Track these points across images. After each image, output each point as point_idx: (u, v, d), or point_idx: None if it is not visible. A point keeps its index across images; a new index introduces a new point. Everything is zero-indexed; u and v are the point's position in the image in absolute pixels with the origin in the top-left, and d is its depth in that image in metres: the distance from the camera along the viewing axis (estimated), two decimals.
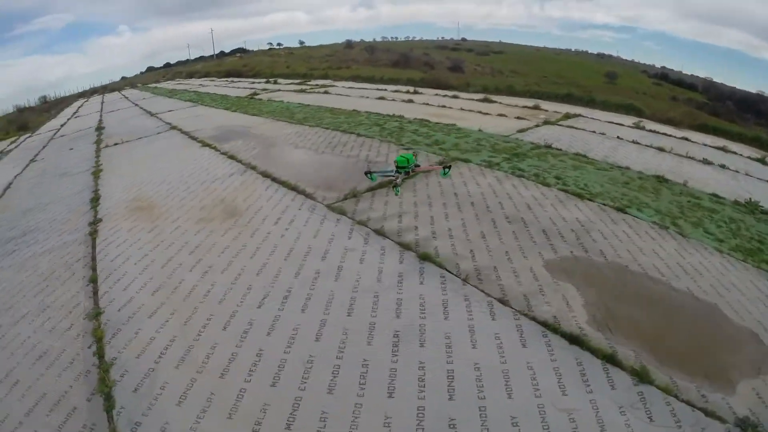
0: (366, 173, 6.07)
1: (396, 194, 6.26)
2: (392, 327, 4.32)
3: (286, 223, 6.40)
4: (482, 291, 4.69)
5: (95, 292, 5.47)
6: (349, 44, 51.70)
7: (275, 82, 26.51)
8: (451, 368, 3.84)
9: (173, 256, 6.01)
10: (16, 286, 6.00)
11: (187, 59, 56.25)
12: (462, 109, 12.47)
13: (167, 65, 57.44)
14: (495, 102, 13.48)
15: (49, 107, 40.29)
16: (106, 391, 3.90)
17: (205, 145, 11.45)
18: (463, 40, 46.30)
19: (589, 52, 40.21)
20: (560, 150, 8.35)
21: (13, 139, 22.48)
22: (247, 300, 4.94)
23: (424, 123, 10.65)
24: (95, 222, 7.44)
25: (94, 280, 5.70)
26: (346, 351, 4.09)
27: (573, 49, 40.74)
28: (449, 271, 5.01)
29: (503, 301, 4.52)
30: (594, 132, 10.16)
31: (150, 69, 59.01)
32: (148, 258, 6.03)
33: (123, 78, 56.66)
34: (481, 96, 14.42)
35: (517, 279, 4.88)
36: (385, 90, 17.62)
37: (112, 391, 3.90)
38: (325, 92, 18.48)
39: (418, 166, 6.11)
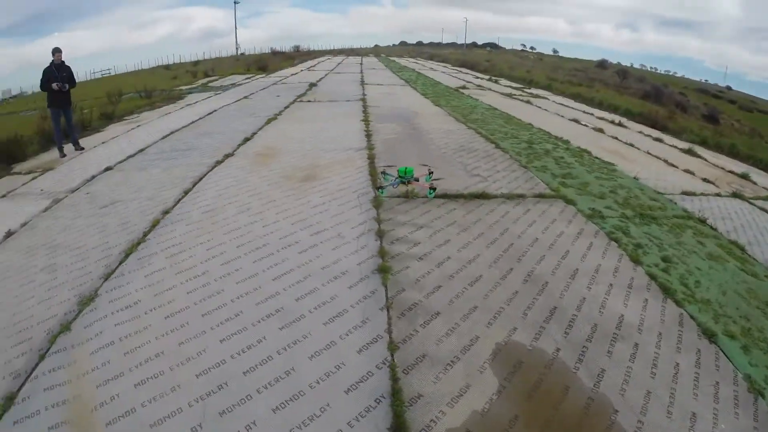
0: (377, 188, 6.42)
1: (381, 194, 6.42)
2: None
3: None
4: None
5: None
6: (602, 64, 48.32)
7: (495, 81, 25.81)
8: None
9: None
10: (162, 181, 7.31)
11: (440, 42, 59.25)
12: (648, 152, 10.45)
13: (419, 43, 61.33)
14: (699, 156, 10.97)
15: (295, 57, 46.20)
16: None
17: (363, 120, 11.76)
18: (728, 88, 39.03)
19: None
20: (713, 229, 6.45)
21: (248, 76, 26.93)
22: None
23: (584, 152, 9.19)
24: (226, 156, 8.50)
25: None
26: None
27: None
28: None
29: None
30: None
31: (402, 43, 63.87)
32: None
33: (375, 46, 62.60)
34: (686, 146, 11.91)
35: None
36: (592, 114, 15.74)
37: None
38: (527, 102, 17.23)
39: (417, 180, 6.42)
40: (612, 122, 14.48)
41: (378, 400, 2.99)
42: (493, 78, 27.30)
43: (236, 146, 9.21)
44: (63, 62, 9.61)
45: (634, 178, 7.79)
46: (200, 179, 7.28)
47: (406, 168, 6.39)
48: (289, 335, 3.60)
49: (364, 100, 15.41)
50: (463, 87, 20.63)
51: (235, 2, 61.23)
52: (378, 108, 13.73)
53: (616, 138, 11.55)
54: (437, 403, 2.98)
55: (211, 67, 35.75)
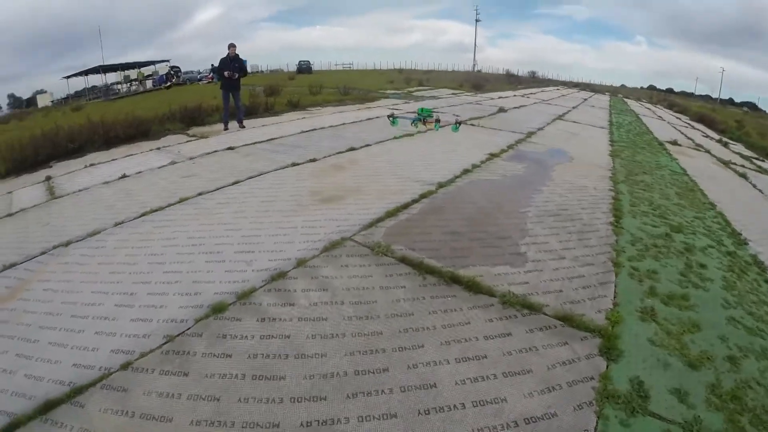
0: (389, 116, 7.13)
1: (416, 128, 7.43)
2: None
3: None
4: None
5: None
6: None
7: (725, 144, 20.08)
8: None
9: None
10: None
11: (692, 93, 50.53)
12: None
13: (669, 90, 53.31)
14: None
15: (522, 82, 44.17)
16: None
17: (489, 154, 9.99)
18: None
19: None
20: None
21: (456, 92, 26.66)
22: None
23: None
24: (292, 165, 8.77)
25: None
26: None
27: None
28: None
29: None
30: None
31: (651, 87, 56.32)
32: None
33: (622, 86, 56.58)
34: None
35: None
36: None
37: None
38: (742, 175, 12.68)
39: (438, 120, 7.31)
40: None
41: None
42: (725, 141, 21.62)
43: (308, 159, 9.00)
44: (237, 55, 11.47)
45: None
46: (265, 173, 8.00)
47: (426, 109, 7.18)
48: None
49: (531, 134, 13.40)
50: (674, 143, 16.67)
51: (476, 20, 62.29)
52: (532, 144, 11.74)
53: None
54: None
55: (427, 78, 36.66)
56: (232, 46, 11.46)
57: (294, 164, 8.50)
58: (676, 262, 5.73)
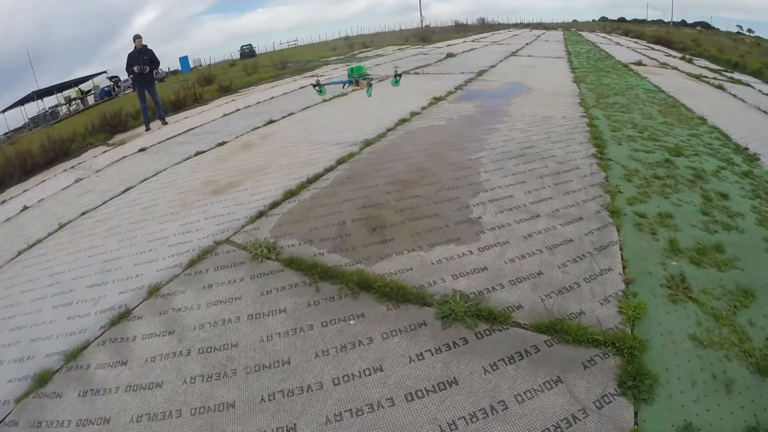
0: (313, 85, 5.69)
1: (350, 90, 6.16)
2: None
3: None
4: None
5: None
6: None
7: (689, 61, 18.54)
8: None
9: None
10: None
11: (644, 19, 48.67)
12: None
13: (621, 20, 51.22)
14: None
15: (470, 30, 42.00)
16: None
17: (435, 98, 8.19)
18: None
19: None
20: None
21: (402, 47, 24.92)
22: None
23: None
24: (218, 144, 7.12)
25: None
26: None
27: None
28: None
29: None
30: None
31: (602, 19, 54.24)
32: None
33: (573, 21, 54.40)
34: None
35: None
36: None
37: None
38: (718, 86, 11.08)
39: (371, 84, 5.29)
40: None
41: None
42: (688, 57, 19.93)
43: (238, 135, 7.47)
44: (145, 46, 10.03)
45: None
46: (181, 162, 6.50)
47: (355, 67, 5.59)
48: None
49: (482, 72, 11.56)
50: (639, 63, 14.92)
51: None
52: (484, 82, 9.89)
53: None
54: None
55: (371, 40, 34.31)
56: (137, 37, 9.97)
57: (198, 153, 6.62)
58: (690, 196, 4.00)
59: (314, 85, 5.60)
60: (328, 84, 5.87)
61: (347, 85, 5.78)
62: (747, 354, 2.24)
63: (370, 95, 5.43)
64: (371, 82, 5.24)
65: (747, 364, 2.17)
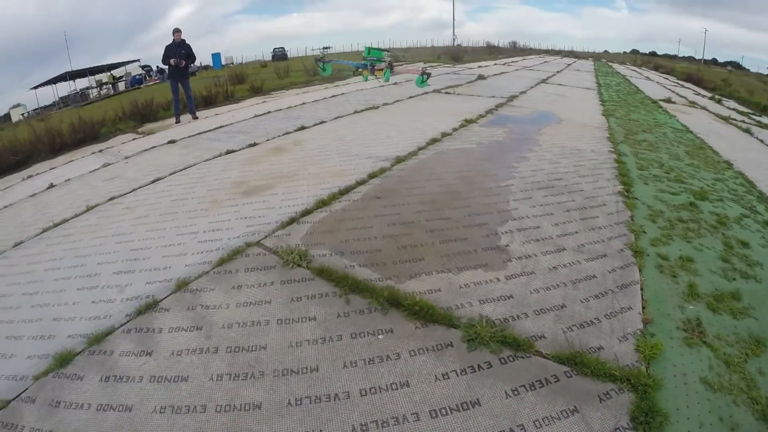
0: (317, 61, 4.66)
1: (364, 79, 5.43)
2: None
3: None
4: None
5: None
6: None
7: (718, 101, 18.42)
8: None
9: None
10: None
11: (675, 55, 48.42)
12: None
13: (652, 54, 50.94)
14: None
15: (502, 52, 42.13)
16: None
17: (466, 120, 8.47)
18: None
19: None
20: None
21: (434, 65, 25.03)
22: None
23: None
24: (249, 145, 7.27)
25: None
26: None
27: None
28: None
29: None
30: None
31: (633, 51, 53.94)
32: None
33: (604, 51, 54.34)
34: None
35: None
36: None
37: None
38: (746, 130, 10.92)
39: (391, 67, 4.84)
40: None
41: None
42: (717, 97, 19.75)
43: (269, 138, 7.66)
44: (183, 41, 10.23)
45: None
46: (211, 159, 6.67)
47: (376, 50, 4.46)
48: None
49: (513, 98, 11.66)
50: (668, 100, 14.91)
51: None
52: (514, 108, 10.01)
53: None
54: None
55: (404, 54, 34.63)
56: (177, 31, 10.24)
57: (229, 152, 6.82)
58: (712, 241, 4.07)
59: (317, 60, 5.31)
60: (336, 63, 5.53)
61: (358, 69, 5.42)
62: (754, 401, 2.32)
63: (387, 79, 5.14)
64: (391, 64, 4.96)
65: (753, 411, 2.25)
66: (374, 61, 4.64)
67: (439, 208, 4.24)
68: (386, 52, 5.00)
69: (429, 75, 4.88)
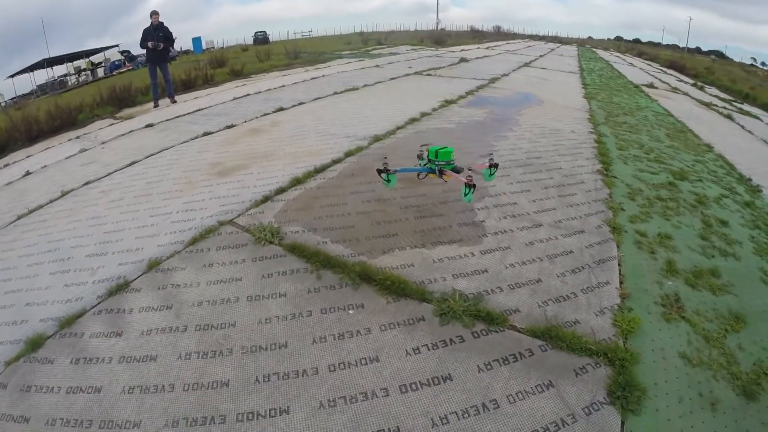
0: (380, 172, 3.76)
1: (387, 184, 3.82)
2: None
3: None
4: None
5: None
6: None
7: (700, 88, 18.56)
8: None
9: None
10: None
11: (659, 43, 48.84)
12: None
13: (636, 41, 51.31)
14: None
15: (486, 36, 42.09)
16: None
17: (447, 100, 8.47)
18: None
19: None
20: None
21: (415, 48, 24.72)
22: None
23: None
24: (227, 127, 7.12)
25: None
26: None
27: None
28: None
29: None
30: None
31: (617, 38, 54.23)
32: None
33: (588, 37, 54.57)
34: None
35: None
36: None
37: None
38: (728, 116, 11.19)
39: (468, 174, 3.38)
40: None
41: None
42: (699, 84, 20.01)
43: (247, 119, 7.46)
44: (161, 23, 10.03)
45: None
46: (188, 141, 6.43)
47: (444, 150, 3.64)
48: None
49: (494, 80, 11.59)
50: (650, 85, 15.00)
51: None
52: (496, 90, 9.92)
53: None
54: None
55: (386, 37, 34.25)
56: (154, 13, 10.00)
57: (206, 133, 6.61)
58: (690, 220, 4.05)
59: (380, 171, 3.74)
60: (402, 171, 3.97)
61: (425, 174, 3.95)
62: (734, 376, 2.29)
63: (470, 201, 3.49)
64: (469, 177, 3.46)
65: (733, 386, 2.22)
66: (442, 166, 3.49)
67: (415, 184, 4.14)
68: (453, 152, 3.51)
69: (496, 166, 3.70)
